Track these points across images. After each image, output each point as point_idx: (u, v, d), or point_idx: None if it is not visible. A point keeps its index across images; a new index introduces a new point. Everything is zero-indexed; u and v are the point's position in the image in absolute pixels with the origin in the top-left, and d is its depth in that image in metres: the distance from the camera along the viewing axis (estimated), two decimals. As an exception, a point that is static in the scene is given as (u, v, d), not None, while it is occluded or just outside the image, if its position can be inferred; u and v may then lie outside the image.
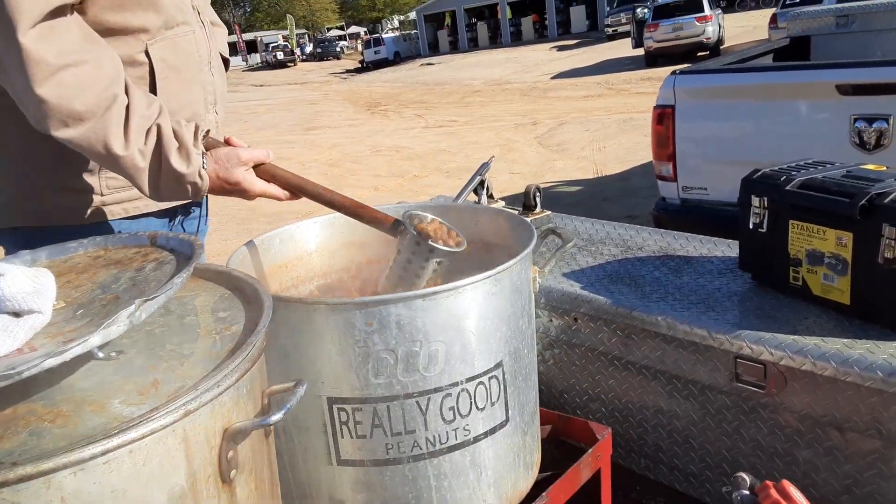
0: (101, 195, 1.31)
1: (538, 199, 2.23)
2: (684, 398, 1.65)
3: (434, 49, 40.20)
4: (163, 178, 1.15)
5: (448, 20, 41.64)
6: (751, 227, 1.69)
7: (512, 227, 1.37)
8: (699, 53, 16.89)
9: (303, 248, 1.44)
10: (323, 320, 1.02)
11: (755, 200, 1.67)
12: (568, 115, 12.01)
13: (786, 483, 1.09)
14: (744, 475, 1.14)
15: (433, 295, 1.02)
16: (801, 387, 1.43)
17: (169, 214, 1.43)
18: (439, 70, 27.94)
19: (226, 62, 1.51)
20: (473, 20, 40.18)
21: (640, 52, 18.62)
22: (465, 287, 1.04)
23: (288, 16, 51.01)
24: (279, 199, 1.24)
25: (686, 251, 1.98)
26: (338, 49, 47.02)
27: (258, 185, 1.22)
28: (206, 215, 1.59)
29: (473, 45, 38.76)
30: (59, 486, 0.62)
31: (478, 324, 1.07)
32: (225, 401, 0.74)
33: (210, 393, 0.71)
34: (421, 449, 1.07)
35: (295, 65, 43.08)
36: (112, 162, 1.12)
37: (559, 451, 1.52)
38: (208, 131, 1.25)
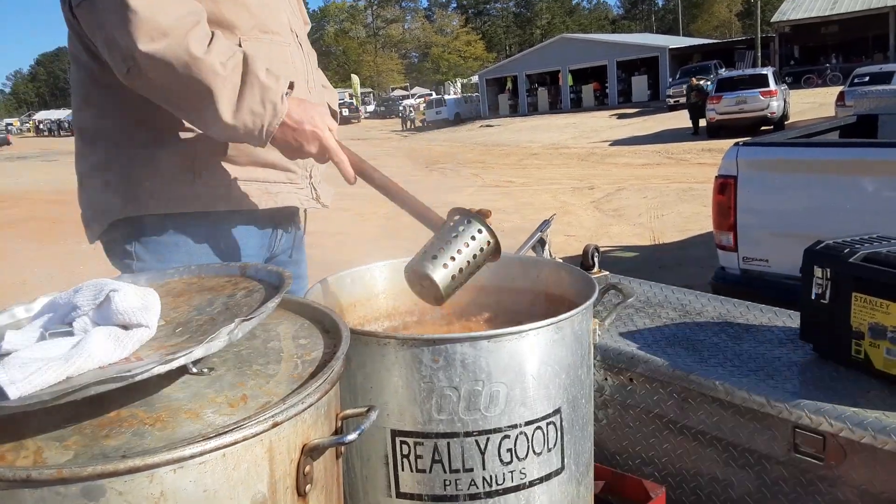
0: (194, 183, 1.34)
1: (596, 259, 2.25)
2: (740, 467, 1.63)
3: (494, 112, 40.98)
4: (247, 90, 1.17)
5: (509, 84, 42.53)
6: (812, 297, 1.69)
7: (573, 280, 1.42)
8: (763, 128, 16.79)
9: (371, 290, 1.51)
10: (393, 355, 1.08)
11: (818, 271, 1.67)
12: (626, 182, 12.04)
13: None
14: None
15: (498, 337, 1.07)
16: (860, 460, 1.40)
17: (268, 225, 1.49)
18: (498, 132, 28.45)
19: (333, 114, 1.52)
20: (534, 85, 40.92)
21: (701, 122, 18.62)
22: (529, 332, 1.09)
23: (353, 76, 53.18)
24: (347, 170, 1.24)
25: (746, 319, 1.98)
26: (400, 108, 48.52)
27: (333, 140, 1.22)
28: (298, 247, 1.64)
29: (533, 109, 39.38)
30: (161, 481, 0.69)
31: (539, 369, 1.11)
32: (306, 417, 0.80)
33: (295, 408, 0.77)
34: (478, 488, 1.10)
35: (358, 121, 44.58)
36: (193, 67, 1.14)
37: (609, 510, 1.52)
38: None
